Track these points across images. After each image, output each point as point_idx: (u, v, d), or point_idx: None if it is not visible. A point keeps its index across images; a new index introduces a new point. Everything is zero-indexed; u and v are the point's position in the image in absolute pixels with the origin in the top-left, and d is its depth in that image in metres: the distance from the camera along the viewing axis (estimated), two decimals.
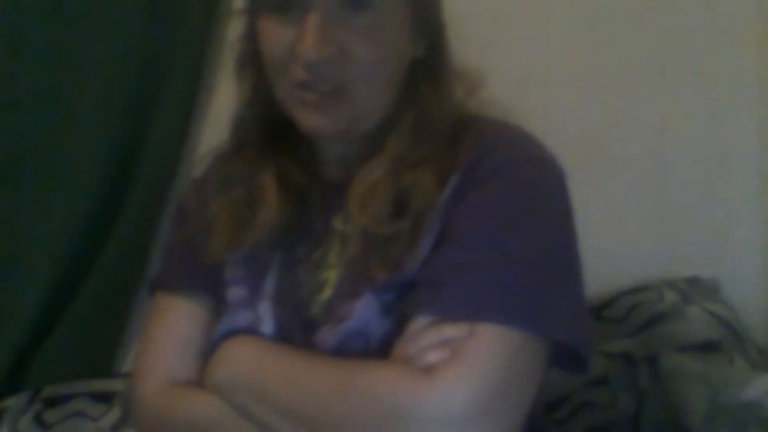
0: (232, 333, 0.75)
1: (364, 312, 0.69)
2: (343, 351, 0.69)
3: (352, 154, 0.77)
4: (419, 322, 0.66)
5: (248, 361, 0.72)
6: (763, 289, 1.18)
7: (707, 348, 1.02)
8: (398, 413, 0.62)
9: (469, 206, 0.69)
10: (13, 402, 1.18)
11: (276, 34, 0.71)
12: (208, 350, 0.76)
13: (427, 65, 0.77)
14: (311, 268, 0.77)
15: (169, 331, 0.81)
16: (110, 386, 1.19)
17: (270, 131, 0.80)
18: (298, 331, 0.74)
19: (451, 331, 0.64)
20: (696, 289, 1.13)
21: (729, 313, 1.09)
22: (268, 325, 0.74)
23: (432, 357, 0.63)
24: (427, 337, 0.65)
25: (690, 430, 0.92)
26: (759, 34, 1.15)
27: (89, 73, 1.25)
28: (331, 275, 0.75)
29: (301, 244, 0.79)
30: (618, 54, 1.20)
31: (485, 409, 0.62)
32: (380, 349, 0.68)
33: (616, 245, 1.19)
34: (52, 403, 1.17)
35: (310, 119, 0.73)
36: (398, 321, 0.68)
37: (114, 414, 1.14)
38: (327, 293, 0.75)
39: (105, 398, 1.17)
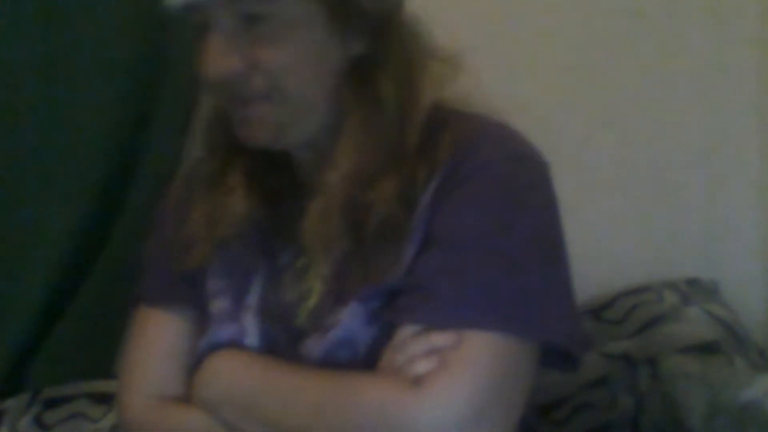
0: (216, 346, 0.74)
1: (351, 321, 0.68)
2: (329, 361, 0.69)
3: (319, 160, 0.75)
4: (407, 331, 0.65)
5: (235, 375, 0.71)
6: (763, 289, 1.18)
7: (707, 349, 1.02)
8: (388, 425, 0.62)
9: (452, 208, 0.68)
10: (12, 403, 1.18)
11: (200, 56, 0.71)
12: (194, 364, 0.75)
13: (373, 61, 0.73)
14: (296, 276, 0.76)
15: (154, 346, 0.80)
16: (110, 387, 1.18)
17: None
18: (283, 341, 0.73)
19: (439, 339, 0.63)
20: (696, 290, 1.13)
21: (729, 314, 1.08)
22: (252, 337, 0.74)
23: (421, 367, 0.63)
24: (415, 346, 0.64)
25: (690, 431, 0.92)
26: (759, 34, 1.15)
27: (89, 77, 1.25)
28: (316, 283, 0.74)
29: (284, 251, 0.78)
30: (616, 53, 1.19)
31: (476, 418, 0.61)
32: (367, 357, 0.68)
33: (615, 246, 1.19)
34: (52, 404, 1.16)
35: (241, 131, 0.73)
36: (385, 328, 0.68)
37: (114, 415, 1.14)
38: (313, 301, 0.74)
39: (105, 399, 1.17)
